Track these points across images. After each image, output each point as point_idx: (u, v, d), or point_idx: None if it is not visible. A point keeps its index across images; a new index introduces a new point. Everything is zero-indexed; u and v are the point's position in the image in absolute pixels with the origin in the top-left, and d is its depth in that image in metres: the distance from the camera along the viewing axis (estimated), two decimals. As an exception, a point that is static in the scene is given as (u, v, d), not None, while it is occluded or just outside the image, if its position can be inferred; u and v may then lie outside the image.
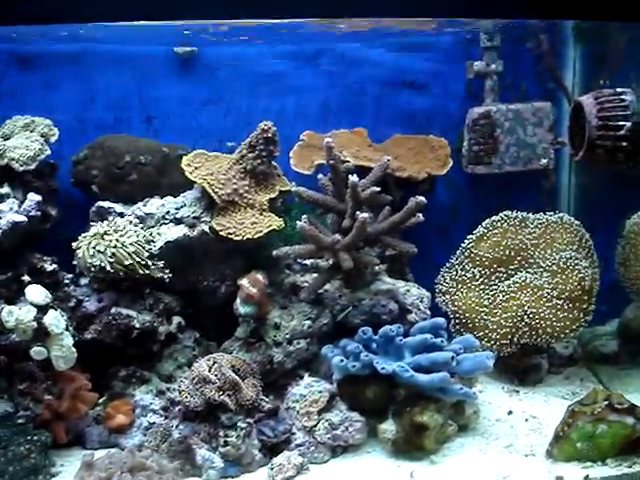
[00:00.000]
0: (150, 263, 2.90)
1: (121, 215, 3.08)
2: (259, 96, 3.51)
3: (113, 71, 3.42)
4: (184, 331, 3.04)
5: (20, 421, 2.69)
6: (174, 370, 2.99)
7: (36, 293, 2.71)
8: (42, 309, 2.69)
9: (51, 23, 2.91)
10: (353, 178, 2.75)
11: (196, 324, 3.08)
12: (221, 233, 2.86)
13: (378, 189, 2.81)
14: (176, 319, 3.01)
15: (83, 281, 3.01)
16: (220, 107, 3.50)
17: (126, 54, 3.41)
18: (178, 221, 2.98)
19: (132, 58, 3.42)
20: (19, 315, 2.62)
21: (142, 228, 2.98)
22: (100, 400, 2.89)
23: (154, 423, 2.81)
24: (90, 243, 2.86)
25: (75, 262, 2.94)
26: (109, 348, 2.91)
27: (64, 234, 3.04)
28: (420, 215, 2.84)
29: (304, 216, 2.83)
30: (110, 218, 3.02)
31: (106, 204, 3.13)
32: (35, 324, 2.64)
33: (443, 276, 3.34)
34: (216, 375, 2.63)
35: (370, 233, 2.80)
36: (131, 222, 2.95)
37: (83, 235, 2.92)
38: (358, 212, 2.72)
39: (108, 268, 2.82)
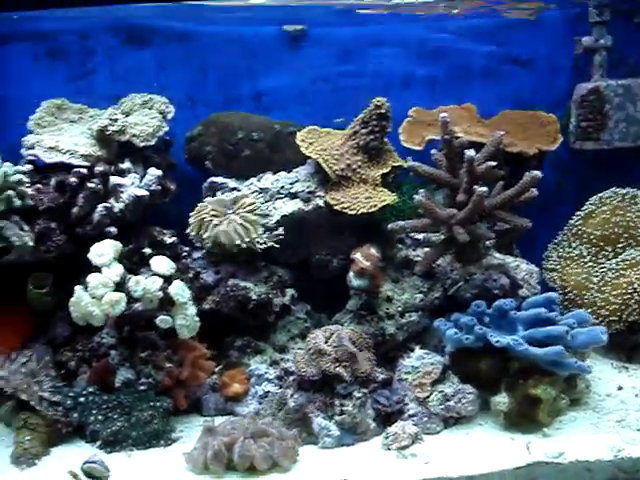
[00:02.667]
0: (267, 237, 2.96)
1: (234, 190, 3.15)
2: (365, 73, 3.53)
3: (224, 50, 3.49)
4: (296, 303, 3.11)
5: (142, 388, 2.79)
6: (287, 341, 3.07)
7: (161, 264, 2.81)
8: (166, 279, 2.78)
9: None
10: (470, 152, 2.77)
11: (307, 297, 3.15)
12: (335, 207, 2.92)
13: (494, 163, 2.83)
14: (289, 291, 3.08)
15: (196, 254, 3.10)
16: (327, 84, 3.54)
17: (237, 33, 3.47)
18: (293, 196, 3.05)
19: (243, 37, 3.48)
20: (146, 285, 2.72)
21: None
22: (216, 369, 2.97)
23: (269, 392, 2.89)
24: (209, 217, 2.93)
25: (192, 235, 3.02)
26: (225, 318, 3.00)
27: (176, 208, 3.14)
28: (534, 190, 2.84)
29: (421, 190, 2.86)
30: (223, 193, 3.10)
31: (219, 179, 3.21)
32: (161, 293, 2.74)
33: (550, 253, 3.34)
34: (333, 347, 2.68)
35: (485, 207, 2.81)
36: (250, 197, 3.01)
37: (201, 208, 2.99)
38: (475, 186, 2.74)
39: (227, 242, 2.90)
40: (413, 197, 2.93)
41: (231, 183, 3.20)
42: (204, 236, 2.95)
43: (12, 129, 3.31)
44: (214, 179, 3.20)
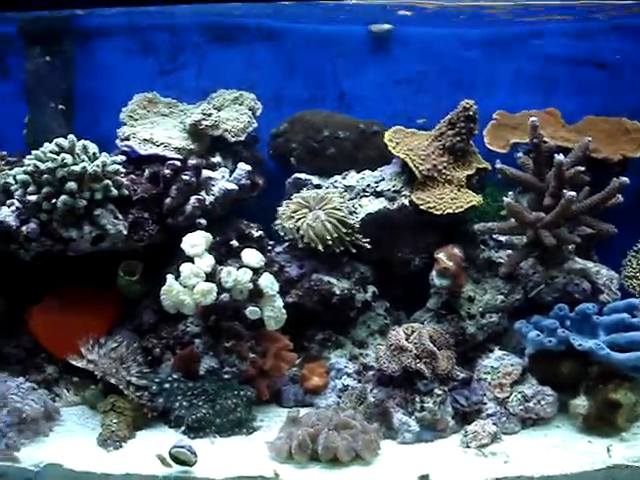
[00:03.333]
0: (352, 234, 3.01)
1: (318, 187, 3.21)
2: (449, 75, 3.55)
3: (310, 48, 3.55)
4: (377, 300, 3.15)
5: (226, 376, 2.85)
6: (367, 336, 3.11)
7: (252, 256, 2.88)
8: (255, 272, 2.85)
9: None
10: (559, 157, 2.78)
11: (386, 294, 3.19)
12: (421, 207, 2.96)
13: (582, 169, 2.84)
14: (371, 288, 3.13)
15: (278, 248, 3.16)
16: (410, 85, 3.57)
17: (324, 32, 3.53)
18: (378, 194, 3.09)
19: (329, 36, 3.54)
20: (237, 276, 2.78)
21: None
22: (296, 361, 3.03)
23: (348, 386, 2.94)
24: (297, 212, 2.99)
25: (279, 229, 3.08)
26: (307, 312, 3.06)
27: (258, 203, 3.21)
28: (620, 196, 2.85)
29: (510, 193, 2.88)
30: (306, 190, 3.16)
31: (303, 176, 3.27)
32: (251, 285, 2.81)
33: (630, 260, 3.32)
34: (414, 344, 2.72)
35: (572, 212, 2.83)
36: (337, 194, 3.06)
37: (288, 204, 3.05)
38: (563, 190, 2.75)
39: (313, 237, 2.95)
40: (497, 199, 2.95)
41: (315, 180, 3.25)
42: (293, 230, 3.00)
43: (103, 121, 3.40)
44: (298, 175, 3.26)
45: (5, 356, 3.07)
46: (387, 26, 3.48)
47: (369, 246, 3.06)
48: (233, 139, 3.15)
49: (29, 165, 2.81)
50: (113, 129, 3.26)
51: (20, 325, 3.12)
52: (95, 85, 3.53)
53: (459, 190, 2.99)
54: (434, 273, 2.95)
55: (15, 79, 3.53)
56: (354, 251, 3.04)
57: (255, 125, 3.24)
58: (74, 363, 2.83)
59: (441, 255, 2.93)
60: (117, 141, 3.16)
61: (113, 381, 2.77)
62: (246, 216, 3.23)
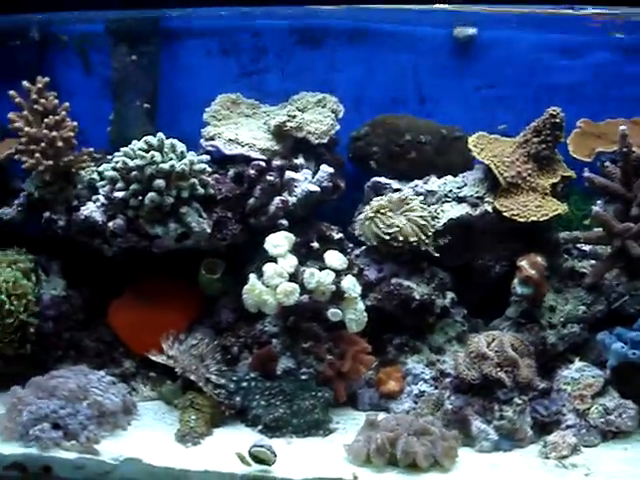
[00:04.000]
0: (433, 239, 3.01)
1: (398, 191, 3.20)
2: (531, 82, 3.51)
3: (392, 52, 3.53)
4: (455, 306, 3.14)
5: (304, 377, 2.87)
6: (444, 343, 3.09)
7: (335, 258, 2.89)
8: (337, 274, 2.86)
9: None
10: (650, 167, 2.75)
11: (464, 300, 3.17)
12: (505, 214, 2.94)
13: (673, 179, 2.80)
14: (449, 294, 3.11)
15: (356, 251, 3.17)
16: (492, 91, 3.54)
17: (406, 35, 3.52)
18: (460, 200, 3.08)
19: (412, 39, 3.52)
20: (320, 277, 2.80)
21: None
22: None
23: (424, 392, 2.93)
24: (378, 215, 2.99)
25: (358, 232, 3.09)
26: (385, 316, 3.05)
27: (335, 205, 3.23)
28: None
29: (599, 202, 2.85)
30: (387, 193, 3.16)
31: (383, 180, 3.26)
32: (334, 287, 2.81)
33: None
34: (496, 352, 2.70)
35: (660, 223, 2.79)
36: (418, 198, 3.06)
37: (370, 207, 3.05)
38: (653, 201, 2.72)
39: (392, 241, 2.96)
40: (580, 208, 2.93)
41: (395, 184, 3.24)
42: (375, 233, 2.99)
43: (184, 120, 3.44)
44: (378, 179, 3.25)
45: (84, 349, 3.12)
46: (471, 30, 3.45)
47: (447, 251, 3.04)
48: (316, 141, 3.16)
49: (118, 162, 2.86)
50: (193, 128, 3.29)
51: (100, 319, 3.17)
52: (177, 84, 3.55)
53: (543, 198, 2.97)
54: (516, 281, 2.92)
55: (98, 76, 3.59)
56: (437, 255, 3.02)
57: (338, 128, 3.24)
58: (154, 358, 2.87)
59: (524, 263, 2.90)
60: (201, 141, 3.20)
61: (193, 378, 2.80)
62: (322, 218, 3.24)
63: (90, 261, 3.16)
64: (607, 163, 2.99)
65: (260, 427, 2.77)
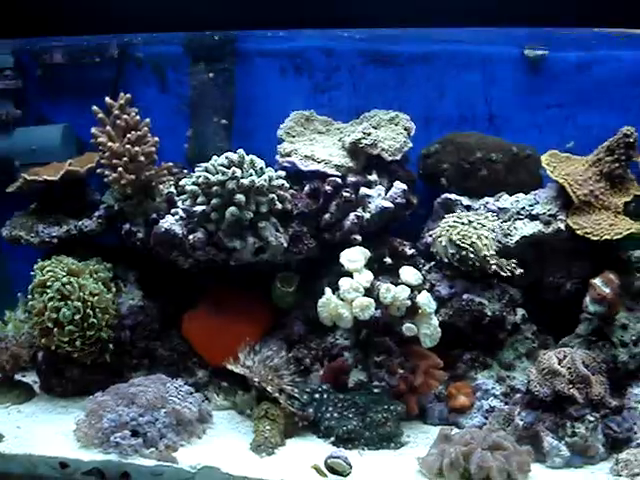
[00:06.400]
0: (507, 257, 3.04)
1: (468, 208, 3.24)
2: (602, 103, 3.52)
3: (462, 70, 3.57)
4: (525, 323, 3.15)
5: (376, 390, 2.91)
6: (514, 359, 3.11)
7: (410, 274, 2.94)
8: (412, 289, 2.90)
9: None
10: None
11: (534, 317, 3.18)
12: (577, 232, 2.96)
13: None
14: (520, 311, 3.13)
15: (427, 267, 3.21)
16: (561, 110, 3.56)
17: (476, 54, 3.56)
18: (533, 217, 3.10)
19: (482, 58, 3.56)
20: (396, 292, 2.85)
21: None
22: (443, 379, 3.06)
23: (494, 407, 2.96)
24: (451, 232, 3.03)
25: (432, 249, 3.13)
26: (456, 332, 3.08)
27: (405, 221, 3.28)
28: None
29: (671, 221, 2.86)
30: (457, 210, 3.20)
31: (453, 196, 3.30)
32: (409, 302, 2.86)
33: None
34: (568, 368, 2.72)
35: None
36: (491, 216, 3.11)
37: (444, 223, 3.10)
38: None
39: (465, 259, 2.99)
40: (654, 227, 2.95)
41: (465, 200, 3.28)
42: (449, 248, 3.04)
43: (258, 137, 3.52)
44: (448, 196, 3.29)
45: (159, 358, 3.21)
46: (542, 51, 3.48)
47: (519, 271, 3.06)
48: (390, 158, 3.21)
49: (200, 177, 2.94)
50: (266, 144, 3.36)
51: (174, 329, 3.25)
52: (250, 103, 3.63)
53: (616, 216, 2.98)
54: (588, 299, 2.93)
55: (175, 94, 3.69)
56: (509, 274, 3.03)
57: (410, 145, 3.29)
58: (231, 368, 2.92)
59: (597, 281, 2.91)
60: (277, 157, 3.27)
61: (268, 388, 2.85)
62: (393, 233, 3.29)
63: (166, 273, 3.23)
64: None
65: (332, 439, 2.81)
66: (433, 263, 3.20)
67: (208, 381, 3.21)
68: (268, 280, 3.19)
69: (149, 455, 2.59)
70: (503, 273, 3.01)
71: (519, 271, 3.03)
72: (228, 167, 2.91)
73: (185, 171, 3.31)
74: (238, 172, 2.88)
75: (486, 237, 3.01)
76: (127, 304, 3.18)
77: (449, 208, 3.27)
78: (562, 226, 3.03)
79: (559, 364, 2.75)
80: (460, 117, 3.61)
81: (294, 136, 3.35)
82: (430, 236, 3.19)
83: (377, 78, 3.60)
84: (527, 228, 3.08)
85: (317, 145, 3.28)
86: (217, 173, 2.91)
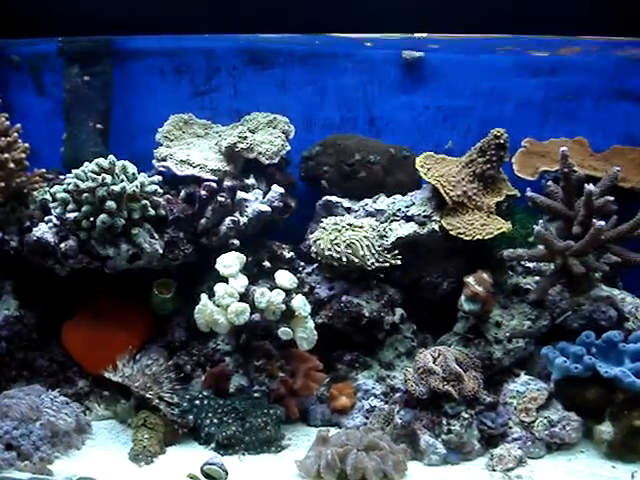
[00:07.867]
0: (382, 257, 3.07)
1: (348, 210, 3.26)
2: (477, 103, 3.59)
3: (342, 73, 3.59)
4: (404, 322, 3.19)
5: (256, 395, 2.91)
6: (394, 358, 3.14)
7: (285, 278, 2.93)
8: (288, 293, 2.90)
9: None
10: (589, 187, 2.82)
11: (413, 316, 3.23)
12: (451, 232, 3.01)
13: (611, 198, 2.88)
14: (399, 311, 3.17)
15: (308, 269, 3.22)
16: (439, 112, 3.61)
17: (355, 57, 3.58)
18: (409, 218, 3.14)
19: (361, 61, 3.59)
20: (271, 297, 2.84)
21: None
22: (324, 381, 3.07)
23: (375, 407, 2.98)
24: (329, 235, 3.04)
25: (312, 251, 3.14)
26: (335, 333, 3.09)
27: (287, 223, 3.30)
28: (646, 225, 2.89)
29: (540, 221, 2.92)
30: (337, 212, 3.22)
31: (334, 199, 3.32)
32: (284, 306, 2.86)
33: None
34: (441, 366, 2.76)
35: (600, 240, 2.87)
36: (367, 218, 3.13)
37: (322, 226, 3.11)
38: (593, 219, 2.79)
39: (344, 259, 3.01)
40: (525, 226, 3.01)
41: (345, 203, 3.30)
42: (326, 252, 3.05)
43: (138, 141, 3.47)
44: (329, 198, 3.31)
45: (38, 369, 3.12)
46: (418, 53, 3.52)
47: (395, 269, 3.10)
48: (267, 162, 3.20)
49: (70, 184, 2.88)
50: (146, 148, 3.32)
51: (53, 339, 3.18)
52: (130, 106, 3.58)
53: (488, 216, 3.04)
54: (463, 298, 2.99)
55: (51, 97, 3.61)
56: (384, 270, 3.08)
57: (288, 148, 3.29)
58: (110, 377, 2.87)
59: (470, 280, 2.97)
60: (154, 161, 3.23)
61: (148, 396, 2.81)
62: (273, 235, 3.29)
63: (43, 281, 3.15)
64: (549, 182, 3.07)
65: (213, 445, 2.79)
66: (315, 265, 3.19)
67: (89, 391, 3.13)
68: (148, 287, 3.14)
69: (24, 468, 2.52)
70: (385, 264, 3.05)
71: (398, 261, 3.07)
72: (98, 173, 2.85)
73: (61, 177, 3.22)
74: (108, 178, 2.83)
75: (365, 237, 3.03)
76: (2, 314, 3.07)
77: (330, 210, 3.28)
78: (436, 227, 3.07)
79: (434, 362, 2.78)
80: (343, 119, 3.62)
81: (172, 140, 3.31)
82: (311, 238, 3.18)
83: (258, 80, 3.60)
84: (403, 229, 3.12)
85: (194, 149, 3.26)
86: (87, 180, 2.85)
